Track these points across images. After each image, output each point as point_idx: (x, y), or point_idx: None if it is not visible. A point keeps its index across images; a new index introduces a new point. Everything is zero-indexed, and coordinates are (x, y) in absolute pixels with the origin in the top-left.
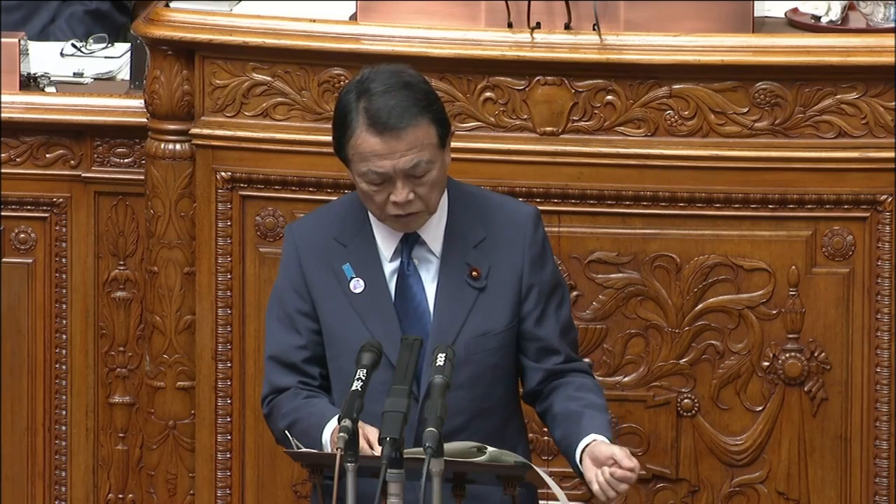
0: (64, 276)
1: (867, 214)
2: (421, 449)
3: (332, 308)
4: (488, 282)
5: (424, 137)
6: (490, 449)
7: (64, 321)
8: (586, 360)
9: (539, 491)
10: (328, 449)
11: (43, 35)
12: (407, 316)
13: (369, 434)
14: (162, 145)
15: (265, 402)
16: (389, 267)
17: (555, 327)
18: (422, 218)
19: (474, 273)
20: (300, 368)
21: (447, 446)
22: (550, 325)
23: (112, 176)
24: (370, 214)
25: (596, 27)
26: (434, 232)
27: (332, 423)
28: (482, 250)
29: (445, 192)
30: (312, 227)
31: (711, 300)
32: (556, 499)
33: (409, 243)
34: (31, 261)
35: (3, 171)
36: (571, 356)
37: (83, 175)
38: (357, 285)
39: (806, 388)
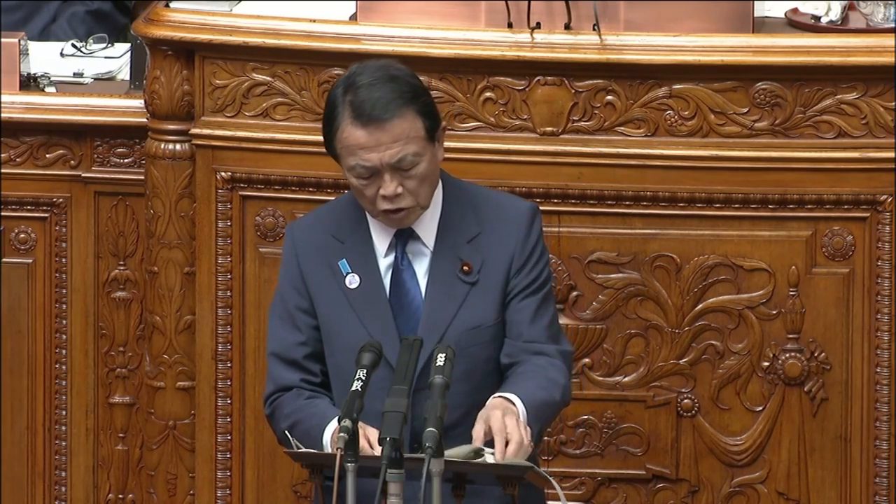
0: (64, 276)
1: (867, 214)
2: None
3: (330, 304)
4: (480, 276)
5: (410, 130)
6: (488, 451)
7: (64, 321)
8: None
9: (547, 492)
10: (329, 449)
11: (44, 35)
12: (401, 311)
13: (370, 434)
14: (162, 145)
15: (268, 402)
16: (385, 262)
17: (532, 316)
18: (414, 214)
19: (465, 268)
20: (301, 365)
21: (448, 452)
22: (527, 313)
23: (112, 176)
24: None
25: (596, 27)
26: (428, 226)
27: (333, 424)
28: (475, 245)
29: (440, 187)
30: (311, 224)
31: (711, 300)
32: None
33: (404, 238)
34: (31, 261)
35: (3, 171)
36: (543, 342)
37: (83, 175)
38: (353, 281)
39: (806, 388)
